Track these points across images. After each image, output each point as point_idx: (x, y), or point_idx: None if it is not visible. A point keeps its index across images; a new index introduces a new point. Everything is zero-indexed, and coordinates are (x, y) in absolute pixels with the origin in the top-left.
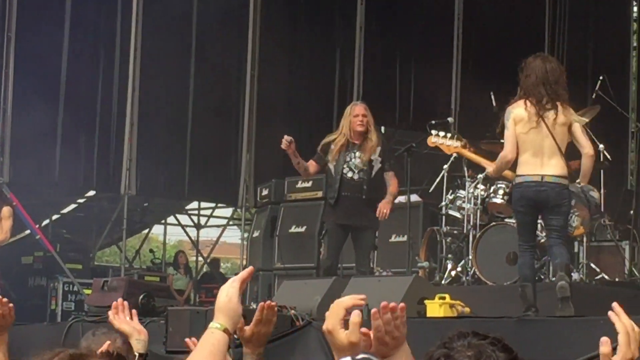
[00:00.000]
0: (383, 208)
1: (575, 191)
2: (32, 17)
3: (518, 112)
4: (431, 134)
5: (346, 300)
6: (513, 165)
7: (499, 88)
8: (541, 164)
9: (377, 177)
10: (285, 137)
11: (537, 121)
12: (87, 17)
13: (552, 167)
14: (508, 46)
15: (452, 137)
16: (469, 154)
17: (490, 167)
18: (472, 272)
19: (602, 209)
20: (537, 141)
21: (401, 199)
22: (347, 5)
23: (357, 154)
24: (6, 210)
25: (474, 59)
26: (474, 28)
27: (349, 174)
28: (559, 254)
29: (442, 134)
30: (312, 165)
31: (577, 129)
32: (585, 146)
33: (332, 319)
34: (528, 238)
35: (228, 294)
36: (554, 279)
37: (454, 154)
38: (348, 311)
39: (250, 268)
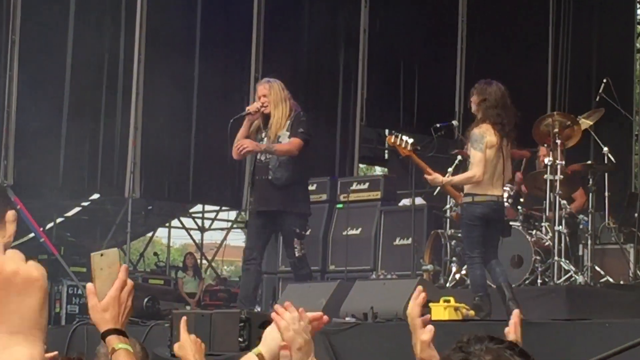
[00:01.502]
0: (245, 141)
1: None
2: (36, 20)
3: (490, 138)
4: (392, 134)
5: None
6: None
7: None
8: (497, 185)
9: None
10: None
11: (499, 147)
12: (91, 20)
13: (501, 188)
14: (512, 49)
15: (406, 141)
16: (417, 160)
17: (436, 177)
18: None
19: (607, 212)
20: (496, 165)
21: (406, 201)
22: (351, 8)
23: (264, 134)
24: (10, 214)
25: (478, 61)
26: (477, 31)
27: (259, 156)
28: (503, 272)
29: (401, 135)
30: None
31: None
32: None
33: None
34: (480, 251)
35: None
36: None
37: (458, 158)
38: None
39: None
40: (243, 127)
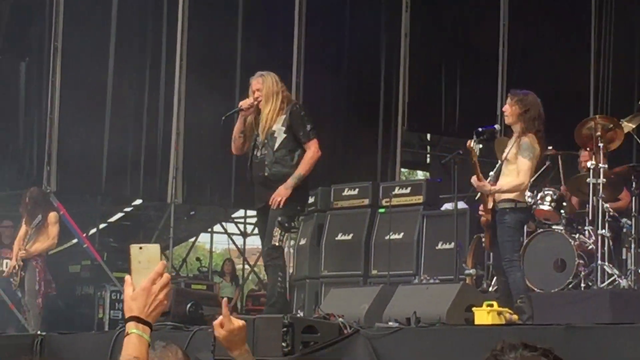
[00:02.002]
0: (276, 195)
1: None
2: (78, 27)
3: (536, 149)
4: (473, 140)
5: None
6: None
7: (544, 94)
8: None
9: (281, 149)
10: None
11: (539, 157)
12: (133, 26)
13: None
14: (553, 52)
15: (479, 148)
16: (477, 166)
17: (485, 185)
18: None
19: None
20: (533, 174)
21: (448, 206)
22: (392, 12)
23: (260, 128)
24: (52, 215)
25: (520, 65)
26: (519, 35)
27: (256, 152)
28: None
29: (477, 142)
30: (247, 143)
31: None
32: None
33: None
34: (519, 254)
35: None
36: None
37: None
38: None
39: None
40: (238, 122)
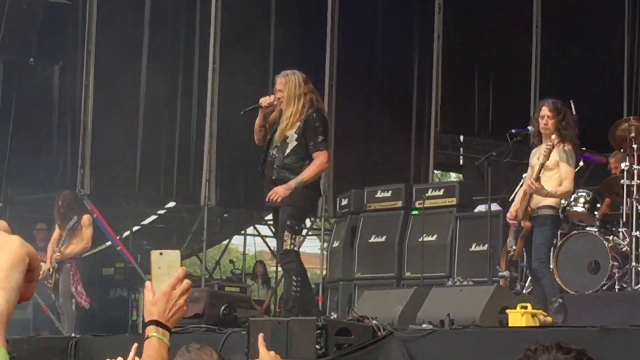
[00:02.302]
0: (273, 193)
1: None
2: (111, 31)
3: (574, 155)
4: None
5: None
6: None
7: (578, 96)
8: None
9: (291, 156)
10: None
11: None
12: (165, 29)
13: None
14: (587, 53)
15: None
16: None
17: (541, 187)
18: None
19: None
20: None
21: (481, 207)
22: (425, 14)
23: (278, 129)
24: (86, 218)
25: (553, 66)
26: (552, 35)
27: (270, 150)
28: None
29: None
30: (268, 136)
31: None
32: None
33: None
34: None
35: None
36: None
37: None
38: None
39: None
40: (258, 117)
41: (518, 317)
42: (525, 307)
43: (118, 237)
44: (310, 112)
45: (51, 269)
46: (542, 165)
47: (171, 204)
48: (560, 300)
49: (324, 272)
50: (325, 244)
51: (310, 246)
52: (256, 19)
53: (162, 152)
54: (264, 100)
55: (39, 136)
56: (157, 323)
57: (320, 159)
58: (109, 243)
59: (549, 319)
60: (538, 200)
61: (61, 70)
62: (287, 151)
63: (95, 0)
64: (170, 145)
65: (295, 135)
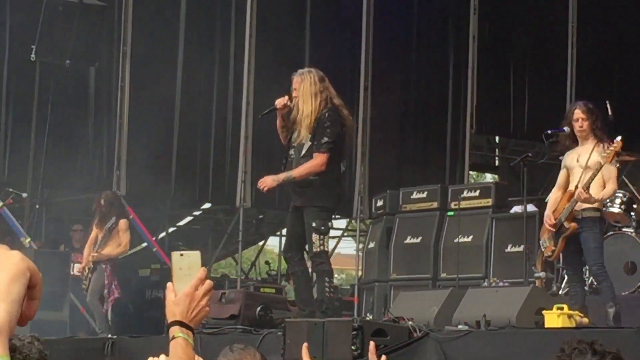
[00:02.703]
0: (261, 182)
1: None
2: (146, 32)
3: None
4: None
5: None
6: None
7: (614, 96)
8: None
9: (307, 157)
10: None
11: None
12: (201, 30)
13: None
14: (623, 54)
15: None
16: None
17: (591, 197)
18: (589, 281)
19: None
20: None
21: (517, 208)
22: (460, 16)
23: (295, 131)
24: (123, 222)
25: (589, 66)
26: (588, 36)
27: (290, 151)
28: None
29: None
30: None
31: None
32: None
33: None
34: None
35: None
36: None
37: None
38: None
39: None
40: (277, 119)
41: (554, 318)
42: (562, 308)
43: (154, 238)
44: (324, 111)
45: (86, 270)
46: (595, 173)
47: (207, 205)
48: (617, 305)
49: (360, 273)
50: (361, 245)
51: (346, 247)
52: (291, 19)
53: (197, 154)
54: (279, 102)
55: (75, 138)
56: (181, 323)
57: (316, 161)
58: (144, 244)
59: (586, 320)
60: (583, 203)
61: (97, 72)
62: (303, 152)
63: (130, 1)
64: (205, 147)
65: (309, 136)
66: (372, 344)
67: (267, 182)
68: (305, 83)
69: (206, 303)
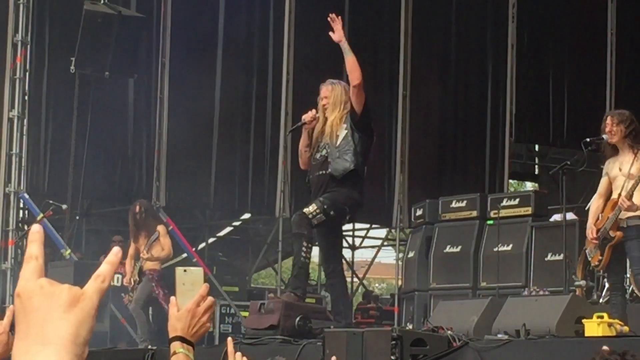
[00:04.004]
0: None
1: None
2: (185, 42)
3: None
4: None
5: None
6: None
7: None
8: None
9: (343, 143)
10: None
11: None
12: (239, 42)
13: None
14: None
15: None
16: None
17: (631, 205)
18: (630, 290)
19: None
20: None
21: (557, 217)
22: (498, 24)
23: (321, 141)
24: (162, 228)
25: (628, 74)
26: (627, 42)
27: (316, 155)
28: None
29: None
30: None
31: None
32: None
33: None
34: None
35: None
36: None
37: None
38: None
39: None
40: (303, 136)
41: (594, 327)
42: (602, 317)
43: (194, 249)
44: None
45: (132, 282)
46: (638, 180)
47: (246, 215)
48: None
49: (400, 283)
50: (401, 254)
51: (386, 257)
52: (329, 31)
53: (236, 164)
54: (307, 117)
55: (115, 149)
56: (182, 339)
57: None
58: (184, 255)
59: (626, 328)
60: (627, 211)
61: (136, 83)
62: (339, 141)
63: (169, 13)
64: (244, 157)
65: (345, 125)
66: (229, 339)
67: (337, 24)
68: (336, 92)
69: (207, 319)
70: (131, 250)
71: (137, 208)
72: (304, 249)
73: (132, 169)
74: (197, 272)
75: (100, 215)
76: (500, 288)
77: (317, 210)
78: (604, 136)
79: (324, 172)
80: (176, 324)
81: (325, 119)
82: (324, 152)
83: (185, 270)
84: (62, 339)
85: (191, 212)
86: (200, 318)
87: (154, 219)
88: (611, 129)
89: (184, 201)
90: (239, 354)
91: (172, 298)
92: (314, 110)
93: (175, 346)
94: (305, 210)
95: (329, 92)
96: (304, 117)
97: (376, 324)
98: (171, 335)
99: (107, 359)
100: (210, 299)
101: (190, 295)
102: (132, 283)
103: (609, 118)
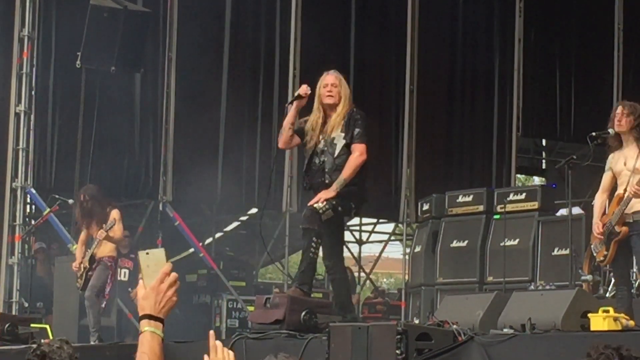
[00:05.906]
0: (317, 198)
1: None
2: (192, 37)
3: None
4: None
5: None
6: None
7: None
8: None
9: (342, 156)
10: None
11: None
12: (246, 35)
13: None
14: None
15: None
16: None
17: None
18: (637, 284)
19: None
20: None
21: (563, 211)
22: (505, 19)
23: (321, 132)
24: (115, 212)
25: (635, 68)
26: (635, 38)
27: (315, 159)
28: None
29: None
30: (294, 137)
31: None
32: None
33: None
34: None
35: None
36: None
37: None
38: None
39: None
40: (291, 112)
41: (600, 321)
42: (607, 311)
43: (200, 244)
44: (350, 110)
45: (82, 268)
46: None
47: (253, 210)
48: None
49: (406, 277)
50: (408, 249)
51: (393, 251)
52: (336, 26)
53: (243, 159)
54: (303, 90)
55: (121, 144)
56: (150, 316)
57: (356, 153)
58: (191, 250)
59: (632, 322)
60: (633, 204)
61: (142, 78)
62: (337, 152)
63: (175, 7)
64: (251, 152)
65: (342, 134)
66: (210, 332)
67: (322, 196)
68: (344, 84)
69: (173, 293)
70: (82, 236)
71: (82, 197)
72: (313, 244)
73: (138, 164)
74: (159, 253)
75: None
76: (507, 283)
77: (327, 206)
78: (610, 130)
79: (323, 179)
80: (143, 303)
81: (325, 114)
82: (322, 158)
83: (147, 253)
84: None
85: (198, 207)
86: (165, 293)
87: (100, 205)
88: (621, 118)
89: (191, 196)
90: (220, 345)
91: (140, 281)
92: (305, 86)
93: (142, 325)
94: (316, 205)
95: (339, 81)
96: (300, 90)
97: (383, 318)
98: (140, 314)
99: (114, 354)
100: (173, 274)
101: (155, 276)
102: (82, 270)
103: (619, 107)
